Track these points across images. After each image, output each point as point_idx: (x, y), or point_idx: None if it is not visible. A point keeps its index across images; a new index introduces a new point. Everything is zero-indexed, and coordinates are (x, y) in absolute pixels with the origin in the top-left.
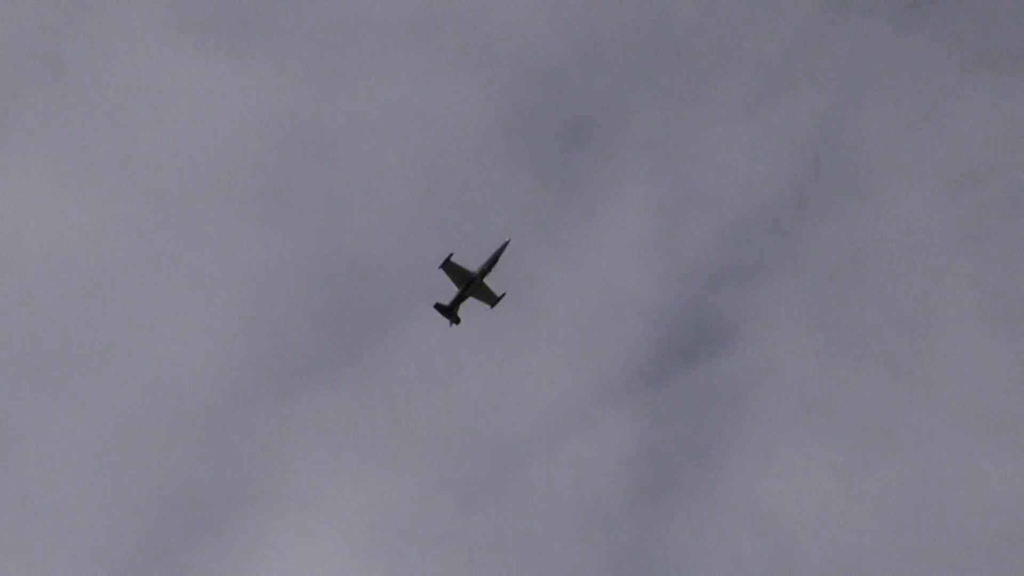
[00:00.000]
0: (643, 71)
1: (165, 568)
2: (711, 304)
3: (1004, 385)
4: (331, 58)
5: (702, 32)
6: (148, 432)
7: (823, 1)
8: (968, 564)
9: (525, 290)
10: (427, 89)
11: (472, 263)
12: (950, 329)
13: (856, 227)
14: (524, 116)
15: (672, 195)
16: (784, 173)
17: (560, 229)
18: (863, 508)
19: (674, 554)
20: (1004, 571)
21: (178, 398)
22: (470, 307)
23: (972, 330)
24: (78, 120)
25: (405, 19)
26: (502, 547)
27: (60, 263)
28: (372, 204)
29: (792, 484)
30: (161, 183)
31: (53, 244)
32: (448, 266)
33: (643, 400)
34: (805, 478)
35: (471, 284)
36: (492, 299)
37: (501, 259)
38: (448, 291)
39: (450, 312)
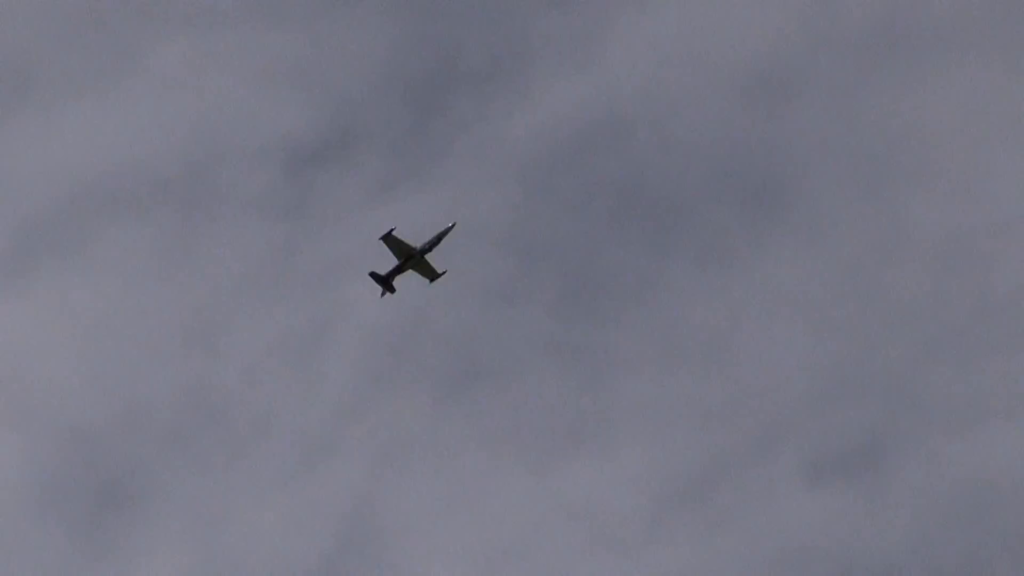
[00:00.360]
0: (181, 437)
1: None
2: None
3: None
4: None
5: (244, 404)
6: None
7: (365, 374)
8: None
9: None
10: None
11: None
12: None
13: None
14: (61, 476)
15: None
16: (316, 545)
17: None
18: None
19: None
20: None
21: None
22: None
23: None
24: None
25: None
26: None
27: None
28: None
29: None
30: None
31: None
32: (389, 239)
33: None
34: None
35: (410, 259)
36: (432, 275)
37: (444, 240)
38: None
39: (385, 282)
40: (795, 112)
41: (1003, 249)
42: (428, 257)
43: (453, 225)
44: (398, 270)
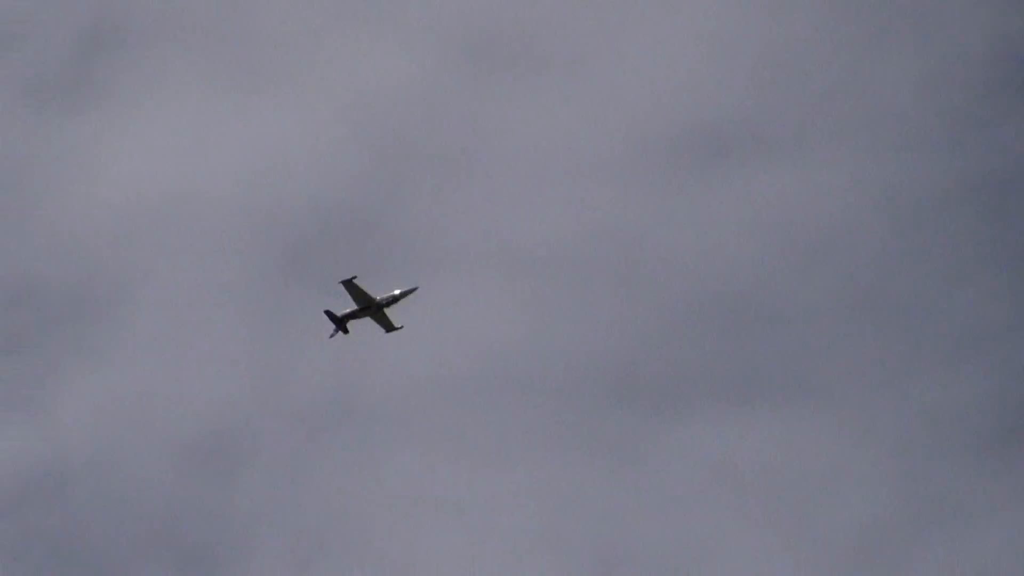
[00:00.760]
0: None
1: None
2: None
3: None
4: None
5: None
6: None
7: None
8: None
9: None
10: None
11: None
12: None
13: None
14: None
15: None
16: None
17: None
18: None
19: None
20: None
21: None
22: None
23: None
24: None
25: None
26: None
27: None
28: None
29: None
30: None
31: None
32: (350, 284)
33: None
34: None
35: (368, 309)
36: (389, 326)
37: (404, 301)
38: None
39: (339, 322)
40: (240, 479)
41: None
42: (388, 311)
43: (416, 288)
44: (354, 315)
